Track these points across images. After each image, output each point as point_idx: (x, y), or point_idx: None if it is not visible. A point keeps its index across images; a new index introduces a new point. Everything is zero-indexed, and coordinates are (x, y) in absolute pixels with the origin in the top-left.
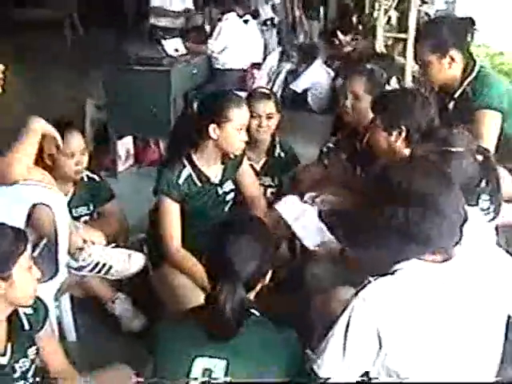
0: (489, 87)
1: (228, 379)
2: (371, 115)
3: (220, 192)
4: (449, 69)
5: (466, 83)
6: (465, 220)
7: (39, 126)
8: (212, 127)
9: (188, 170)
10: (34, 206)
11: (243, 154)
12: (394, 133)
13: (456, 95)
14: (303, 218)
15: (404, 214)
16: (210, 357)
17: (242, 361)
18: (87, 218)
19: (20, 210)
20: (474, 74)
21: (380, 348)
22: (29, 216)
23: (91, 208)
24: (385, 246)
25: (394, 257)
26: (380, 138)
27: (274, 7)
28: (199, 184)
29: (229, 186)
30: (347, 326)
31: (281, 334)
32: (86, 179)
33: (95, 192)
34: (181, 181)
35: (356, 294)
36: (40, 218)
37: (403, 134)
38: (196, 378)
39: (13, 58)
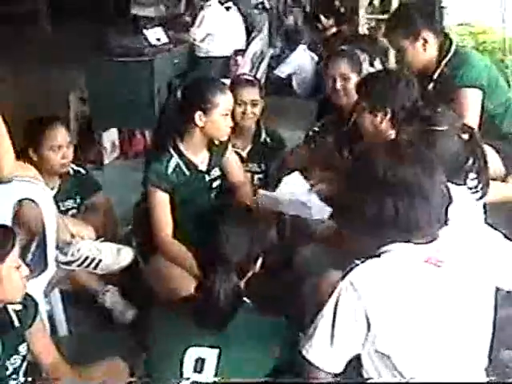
0: (466, 65)
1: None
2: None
3: (207, 179)
4: (423, 51)
5: (443, 63)
6: (450, 202)
7: None
8: (198, 114)
9: (176, 160)
10: (20, 201)
11: (228, 141)
12: (379, 114)
13: (435, 76)
14: (310, 193)
15: (392, 206)
16: (203, 346)
17: (234, 349)
18: (75, 211)
19: (6, 206)
20: (450, 54)
21: (369, 330)
22: (16, 212)
23: (78, 201)
24: (373, 232)
25: (382, 241)
26: (365, 119)
27: None
28: (187, 173)
29: (215, 172)
30: (335, 309)
31: (271, 321)
32: (71, 172)
33: (81, 185)
34: (169, 171)
35: (343, 277)
36: (27, 214)
37: (388, 116)
38: (188, 378)
39: None
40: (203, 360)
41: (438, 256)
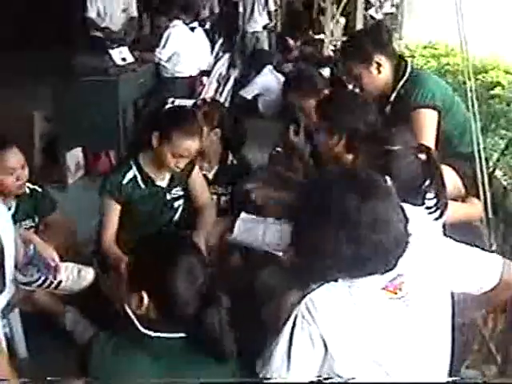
0: (421, 86)
1: None
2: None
3: (168, 197)
4: (378, 74)
5: (399, 86)
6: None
7: None
8: (155, 135)
9: (133, 172)
10: None
11: (193, 162)
12: (335, 137)
13: (391, 98)
14: (264, 235)
15: (336, 240)
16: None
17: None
18: (32, 230)
19: None
20: (406, 76)
21: (326, 354)
22: None
23: (36, 220)
24: (324, 263)
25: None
26: (321, 141)
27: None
28: (143, 186)
29: (178, 192)
30: (291, 334)
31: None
32: (27, 191)
33: (38, 203)
34: (124, 181)
35: (299, 301)
36: None
37: (343, 139)
38: None
39: None
40: None
41: (395, 283)
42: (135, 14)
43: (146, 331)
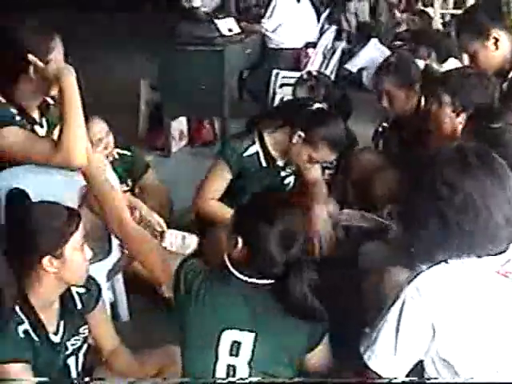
0: None
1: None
2: (409, 106)
3: (283, 174)
4: (496, 50)
5: None
6: None
7: None
8: (298, 134)
9: (256, 148)
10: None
11: None
12: (462, 115)
13: (510, 75)
14: None
15: (456, 222)
16: (240, 329)
17: (269, 333)
18: (128, 194)
19: (74, 190)
20: None
21: (433, 338)
22: (83, 195)
23: (130, 184)
24: (437, 244)
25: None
26: (446, 119)
27: None
28: (264, 164)
29: (292, 168)
30: (399, 317)
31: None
32: (117, 157)
33: (129, 167)
34: (246, 154)
35: (408, 283)
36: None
37: (465, 115)
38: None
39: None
40: (239, 344)
41: (507, 268)
42: None
43: (236, 272)
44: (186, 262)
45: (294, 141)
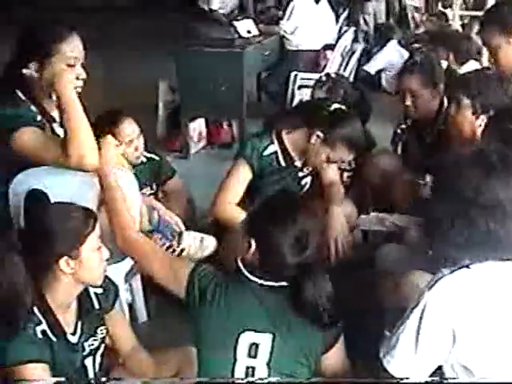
0: None
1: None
2: (432, 107)
3: (300, 175)
4: None
5: None
6: None
7: None
8: (317, 134)
9: (275, 147)
10: None
11: None
12: (482, 117)
13: None
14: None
15: (484, 225)
16: (257, 331)
17: (286, 334)
18: (152, 198)
19: (92, 192)
20: None
21: (454, 344)
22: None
23: (154, 188)
24: (463, 248)
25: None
26: (465, 122)
27: None
28: (283, 164)
29: (309, 168)
30: (420, 322)
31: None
32: (144, 160)
33: (156, 171)
34: (265, 153)
35: (429, 288)
36: None
37: (485, 118)
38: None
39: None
40: (257, 345)
41: None
42: None
43: (249, 275)
44: (197, 268)
45: (313, 141)
